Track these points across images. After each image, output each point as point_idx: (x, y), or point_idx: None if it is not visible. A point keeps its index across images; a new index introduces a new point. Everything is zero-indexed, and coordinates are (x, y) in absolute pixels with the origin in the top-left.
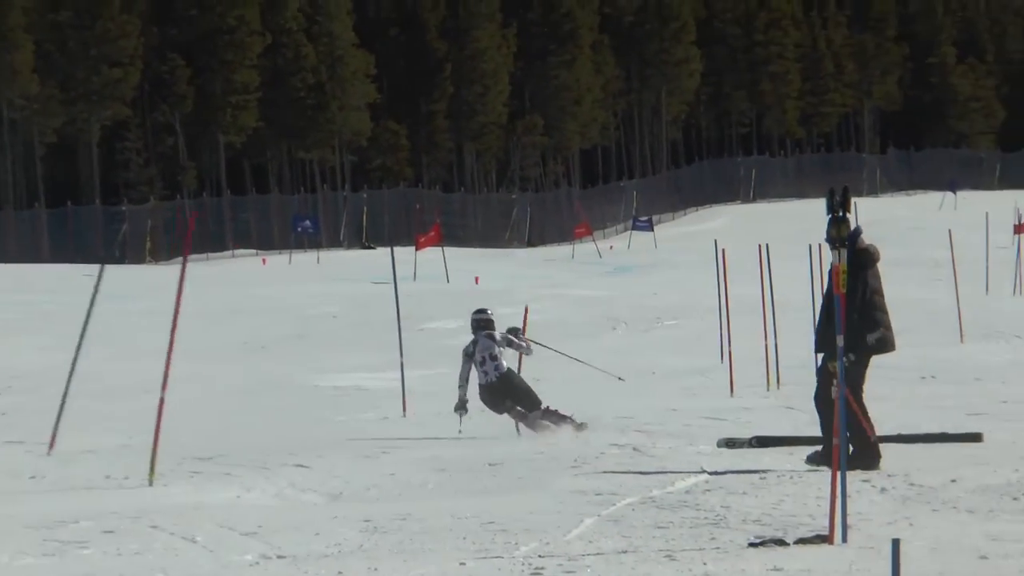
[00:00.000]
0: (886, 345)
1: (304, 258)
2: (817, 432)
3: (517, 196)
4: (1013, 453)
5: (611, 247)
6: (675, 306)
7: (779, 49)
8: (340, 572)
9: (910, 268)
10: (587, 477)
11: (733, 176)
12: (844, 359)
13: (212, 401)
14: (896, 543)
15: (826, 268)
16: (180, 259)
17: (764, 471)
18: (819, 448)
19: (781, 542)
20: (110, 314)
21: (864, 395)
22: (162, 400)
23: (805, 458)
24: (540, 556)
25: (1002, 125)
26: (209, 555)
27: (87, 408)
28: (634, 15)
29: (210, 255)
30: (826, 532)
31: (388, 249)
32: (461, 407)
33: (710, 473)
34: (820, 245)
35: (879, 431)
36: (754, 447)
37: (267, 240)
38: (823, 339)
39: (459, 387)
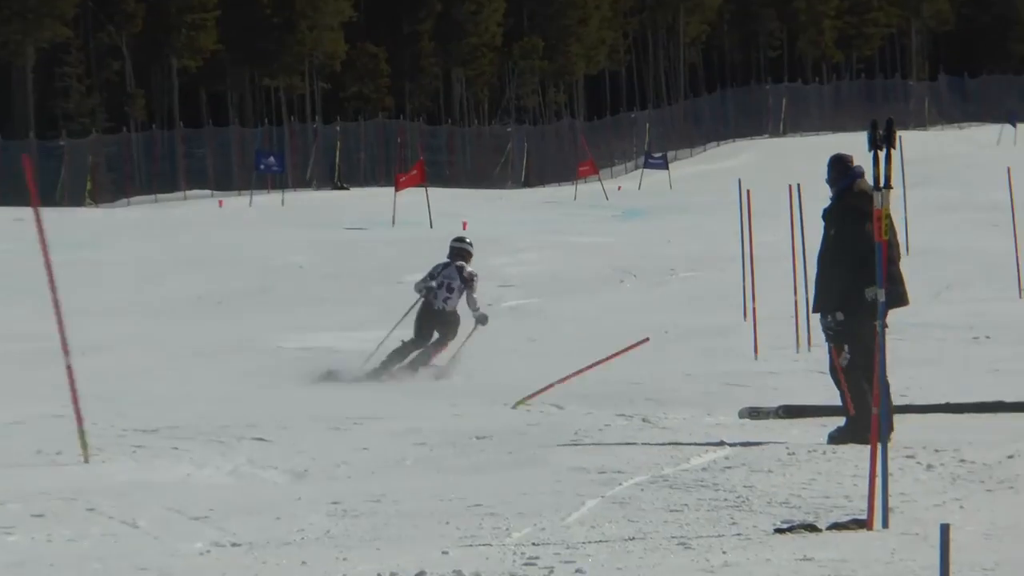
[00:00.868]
0: (895, 300)
1: (267, 200)
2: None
3: (512, 129)
4: None
5: (619, 188)
6: (692, 256)
7: None
8: (304, 562)
9: (963, 212)
10: (589, 452)
11: (760, 106)
12: (831, 318)
13: (160, 365)
14: (945, 528)
15: (809, 211)
16: (125, 201)
17: (793, 445)
18: (841, 424)
19: (812, 527)
20: (42, 265)
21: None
22: (69, 368)
23: (826, 437)
24: (534, 544)
25: None
26: (153, 542)
27: (15, 374)
28: None
29: (159, 196)
30: (864, 516)
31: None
32: (422, 292)
33: (731, 446)
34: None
35: (926, 399)
36: (781, 418)
37: (225, 180)
38: (823, 297)
39: (417, 292)
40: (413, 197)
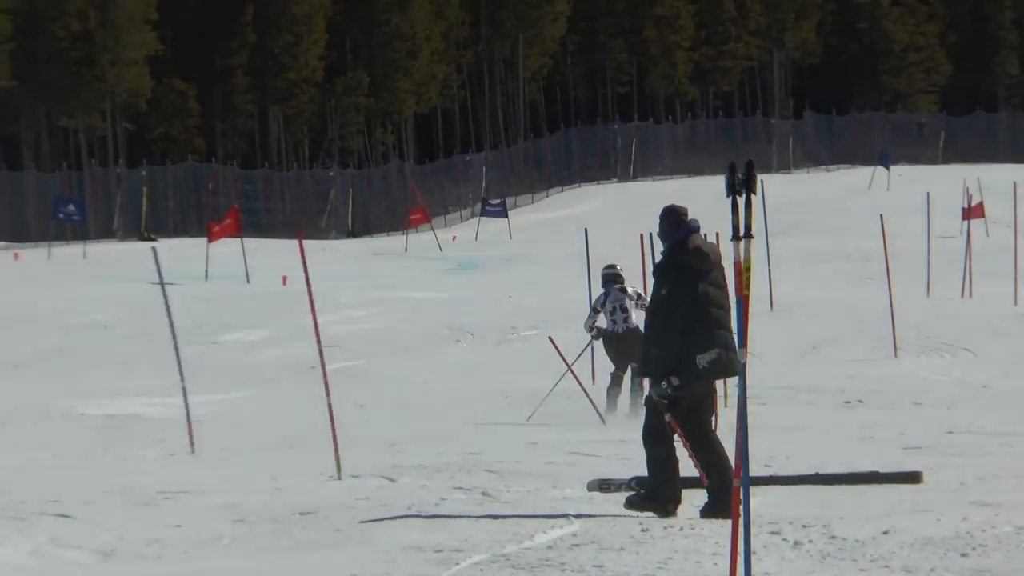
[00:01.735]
0: (722, 369)
1: (67, 252)
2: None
3: (336, 173)
4: (960, 497)
5: (454, 238)
6: (535, 312)
7: None
8: None
9: (832, 263)
10: (424, 529)
11: (608, 147)
12: (665, 383)
13: None
14: None
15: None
16: None
17: (647, 521)
18: (642, 490)
19: None
20: None
21: (714, 428)
22: None
23: (624, 501)
24: None
25: (947, 83)
26: None
27: None
28: None
29: None
30: None
31: (174, 241)
32: (597, 337)
33: (575, 517)
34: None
35: (793, 468)
36: (634, 490)
37: (20, 230)
38: (649, 360)
39: (588, 331)
40: (227, 248)
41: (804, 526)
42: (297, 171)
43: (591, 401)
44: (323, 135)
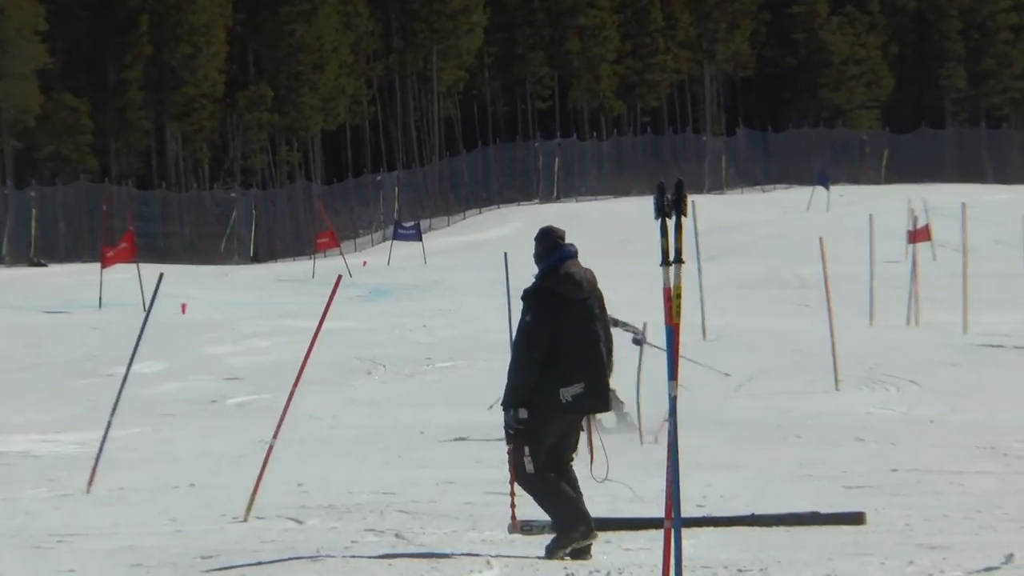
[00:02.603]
0: (588, 404)
1: None
2: (644, 512)
3: (238, 194)
4: (906, 539)
5: (365, 263)
6: (451, 342)
7: None
8: None
9: (768, 290)
10: (334, 574)
11: (529, 166)
12: (512, 414)
13: None
14: None
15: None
16: None
17: (572, 565)
18: (555, 534)
19: None
20: None
21: (572, 460)
22: None
23: (544, 550)
24: None
25: (890, 97)
26: None
27: None
28: None
29: None
30: None
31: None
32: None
33: (495, 561)
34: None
35: (726, 509)
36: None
37: None
38: (510, 390)
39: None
40: (122, 274)
41: (740, 570)
42: (196, 192)
43: None
44: (224, 153)
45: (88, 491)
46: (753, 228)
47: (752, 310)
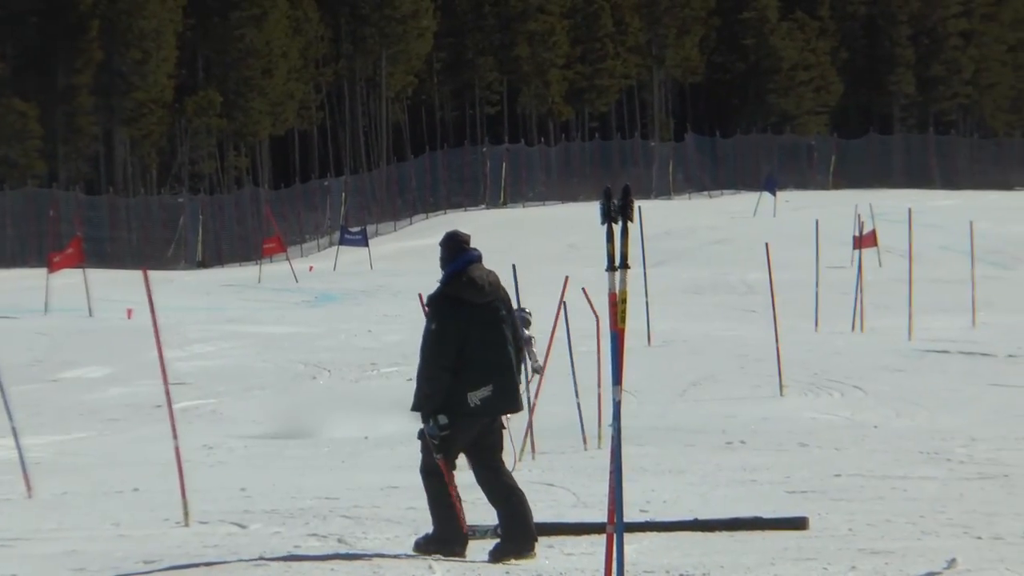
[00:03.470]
0: (497, 406)
1: None
2: (587, 517)
3: (186, 200)
4: (849, 544)
5: (311, 268)
6: (397, 347)
7: (540, 0)
8: None
9: (714, 295)
10: None
11: (477, 172)
12: (432, 421)
13: None
14: None
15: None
16: None
17: (515, 569)
18: (430, 532)
19: None
20: None
21: (503, 463)
22: None
23: (412, 544)
24: None
25: (839, 103)
26: None
27: None
28: None
29: None
30: None
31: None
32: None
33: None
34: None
35: (670, 514)
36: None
37: None
38: (423, 398)
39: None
40: (69, 279)
41: (682, 575)
42: (144, 197)
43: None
44: (172, 159)
45: (30, 496)
46: (700, 234)
47: (698, 316)
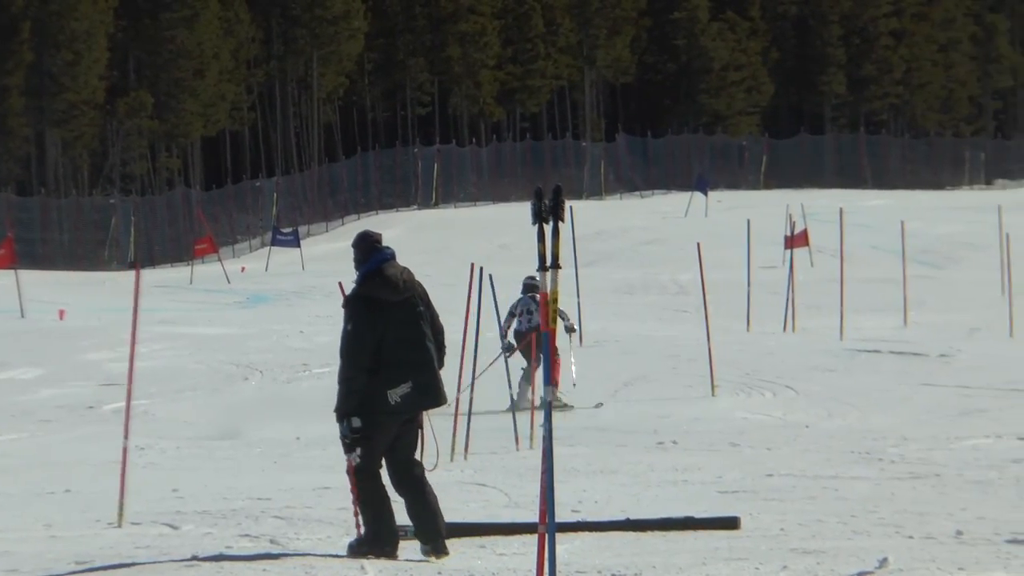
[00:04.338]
0: (417, 402)
1: None
2: (519, 517)
3: (117, 201)
4: (780, 544)
5: (243, 269)
6: (328, 348)
7: (471, 1)
8: None
9: (646, 295)
10: None
11: (408, 172)
12: (346, 423)
13: None
14: None
15: (336, 300)
16: None
17: (447, 570)
18: (366, 537)
19: None
20: None
21: (420, 463)
22: None
23: (346, 547)
24: None
25: (770, 103)
26: None
27: None
28: None
29: None
30: None
31: None
32: (508, 349)
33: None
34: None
35: (601, 514)
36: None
37: None
38: (341, 400)
39: (501, 337)
40: (1, 281)
41: (614, 575)
42: (76, 198)
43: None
44: (104, 160)
45: None
46: (632, 234)
47: (630, 316)
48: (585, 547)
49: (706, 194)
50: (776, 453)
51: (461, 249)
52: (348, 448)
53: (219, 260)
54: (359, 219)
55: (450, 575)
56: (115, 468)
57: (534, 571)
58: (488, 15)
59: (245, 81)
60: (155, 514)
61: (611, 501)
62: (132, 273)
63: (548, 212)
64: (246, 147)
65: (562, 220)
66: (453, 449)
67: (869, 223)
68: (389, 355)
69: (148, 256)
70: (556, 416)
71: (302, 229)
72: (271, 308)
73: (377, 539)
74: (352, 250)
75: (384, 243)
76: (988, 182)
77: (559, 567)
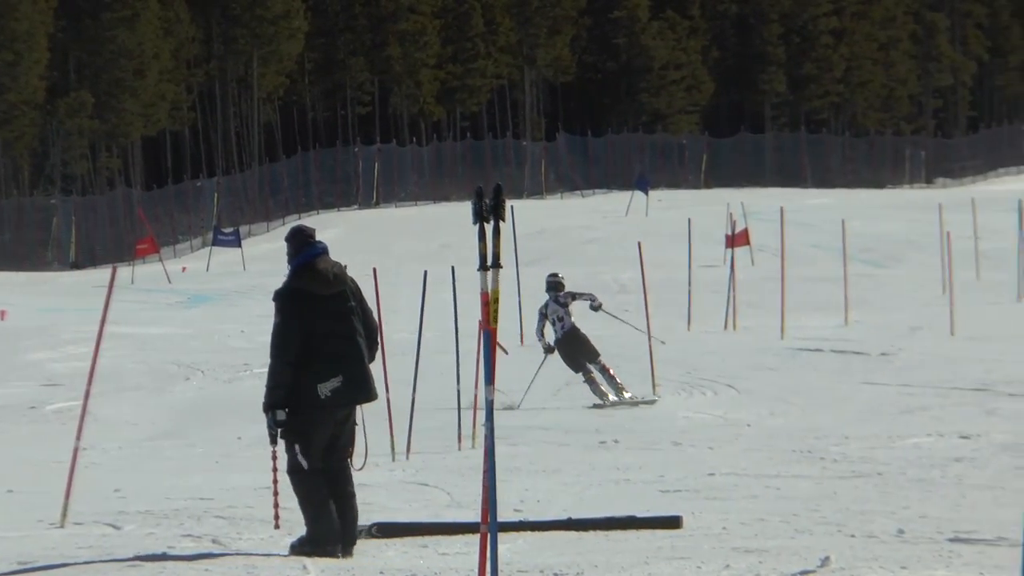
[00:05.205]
0: (348, 396)
1: None
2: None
3: (58, 201)
4: (722, 543)
5: (184, 269)
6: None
7: (411, 1)
8: None
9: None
10: None
11: (349, 172)
12: (271, 415)
13: None
14: None
15: (266, 295)
16: None
17: (390, 571)
18: (307, 537)
19: None
20: None
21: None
22: None
23: (288, 548)
24: None
25: (710, 102)
26: None
27: None
28: None
29: None
30: None
31: None
32: (549, 350)
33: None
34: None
35: (543, 513)
36: (375, 537)
37: None
38: (269, 393)
39: (539, 339)
40: None
41: (556, 574)
42: (17, 199)
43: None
44: (45, 160)
45: None
46: (573, 233)
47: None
48: (527, 546)
49: (647, 193)
50: (718, 452)
51: (402, 249)
52: (272, 440)
53: (160, 260)
54: (300, 219)
55: (392, 575)
56: (57, 468)
57: (476, 571)
58: (428, 14)
59: (185, 81)
60: (97, 514)
61: (553, 500)
62: (74, 273)
63: (489, 211)
64: (187, 147)
65: (503, 219)
66: (394, 449)
67: (810, 222)
68: (319, 349)
69: (89, 256)
70: (499, 415)
71: (243, 229)
72: (212, 308)
73: (318, 538)
74: (286, 244)
75: (325, 242)
76: (929, 181)
77: (501, 567)
